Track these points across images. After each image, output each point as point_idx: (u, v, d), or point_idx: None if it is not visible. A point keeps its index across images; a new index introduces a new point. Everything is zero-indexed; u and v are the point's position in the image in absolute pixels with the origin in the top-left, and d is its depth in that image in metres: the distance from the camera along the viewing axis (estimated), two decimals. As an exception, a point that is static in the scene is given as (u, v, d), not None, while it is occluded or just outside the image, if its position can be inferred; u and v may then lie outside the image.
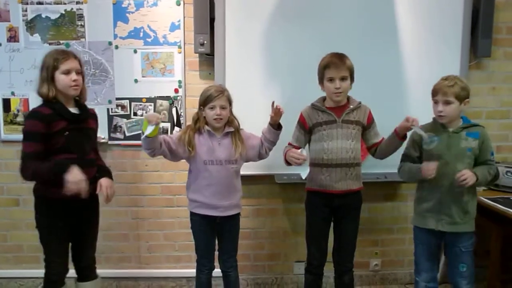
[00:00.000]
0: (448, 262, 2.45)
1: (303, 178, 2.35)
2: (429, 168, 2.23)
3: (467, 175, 2.18)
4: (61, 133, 2.23)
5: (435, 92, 2.31)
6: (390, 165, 2.84)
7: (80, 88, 2.30)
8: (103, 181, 2.35)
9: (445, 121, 2.31)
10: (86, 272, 2.50)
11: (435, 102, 2.32)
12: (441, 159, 2.28)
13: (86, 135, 2.36)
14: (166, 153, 2.38)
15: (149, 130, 2.21)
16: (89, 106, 2.47)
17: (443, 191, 2.30)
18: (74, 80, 2.25)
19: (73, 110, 2.32)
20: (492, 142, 2.39)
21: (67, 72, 2.23)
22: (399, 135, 2.39)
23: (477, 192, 2.41)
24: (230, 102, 2.43)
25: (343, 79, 2.35)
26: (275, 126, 2.43)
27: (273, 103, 2.36)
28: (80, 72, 2.30)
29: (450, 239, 2.36)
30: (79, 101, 2.37)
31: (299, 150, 2.34)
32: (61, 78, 2.24)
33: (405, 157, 2.46)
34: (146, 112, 3.07)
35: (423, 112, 2.96)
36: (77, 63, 2.29)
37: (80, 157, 2.28)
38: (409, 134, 2.41)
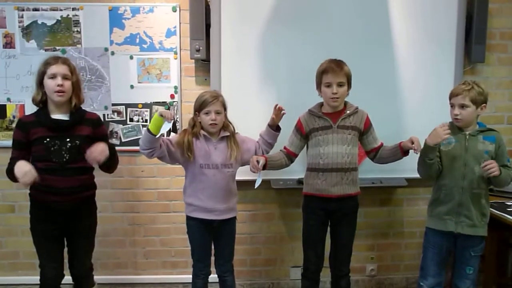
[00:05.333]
0: (455, 264, 2.45)
1: (255, 187, 2.38)
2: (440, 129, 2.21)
3: (494, 164, 2.19)
4: (40, 141, 2.24)
5: (452, 96, 2.33)
6: (386, 170, 2.88)
7: (66, 94, 2.26)
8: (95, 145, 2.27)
9: (461, 124, 2.32)
10: (82, 279, 2.50)
11: (452, 106, 2.33)
12: (460, 161, 2.29)
13: (71, 143, 2.28)
14: (165, 154, 2.37)
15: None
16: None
17: (462, 192, 2.30)
18: (59, 85, 2.22)
19: (62, 116, 2.30)
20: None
21: (53, 77, 2.23)
22: (402, 150, 2.41)
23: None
24: (225, 107, 2.45)
25: (340, 85, 2.37)
26: (274, 127, 2.46)
27: (276, 105, 2.41)
28: (68, 78, 2.26)
29: (462, 242, 2.36)
30: (74, 107, 2.33)
31: (260, 161, 2.35)
32: (47, 83, 2.24)
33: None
34: (142, 118, 3.07)
35: (418, 116, 3.02)
36: (65, 69, 2.26)
37: (60, 166, 2.26)
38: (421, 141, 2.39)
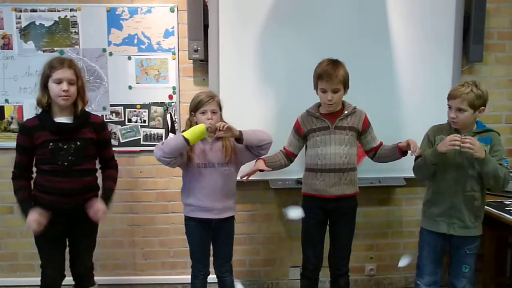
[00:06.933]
0: (451, 263, 2.46)
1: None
2: (451, 138, 2.16)
3: (475, 142, 2.13)
4: (45, 145, 2.25)
5: (449, 97, 2.29)
6: (384, 170, 2.88)
7: (71, 98, 2.27)
8: (95, 205, 2.35)
9: (458, 127, 2.30)
10: (82, 279, 2.49)
11: (449, 107, 2.30)
12: (453, 163, 2.28)
13: (75, 145, 2.29)
14: (179, 160, 2.34)
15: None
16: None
17: (455, 195, 2.30)
18: (64, 91, 2.22)
19: (66, 119, 2.30)
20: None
21: (58, 82, 2.23)
22: (400, 150, 2.41)
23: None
24: (220, 107, 2.45)
25: (335, 91, 2.36)
26: (238, 141, 2.38)
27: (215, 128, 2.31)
28: (73, 83, 2.26)
29: (457, 241, 2.36)
30: (77, 110, 2.33)
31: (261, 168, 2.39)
32: (52, 87, 2.24)
33: (419, 158, 2.42)
34: (140, 119, 3.07)
35: (416, 115, 3.02)
36: (71, 74, 2.26)
37: (65, 168, 2.26)
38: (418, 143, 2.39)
